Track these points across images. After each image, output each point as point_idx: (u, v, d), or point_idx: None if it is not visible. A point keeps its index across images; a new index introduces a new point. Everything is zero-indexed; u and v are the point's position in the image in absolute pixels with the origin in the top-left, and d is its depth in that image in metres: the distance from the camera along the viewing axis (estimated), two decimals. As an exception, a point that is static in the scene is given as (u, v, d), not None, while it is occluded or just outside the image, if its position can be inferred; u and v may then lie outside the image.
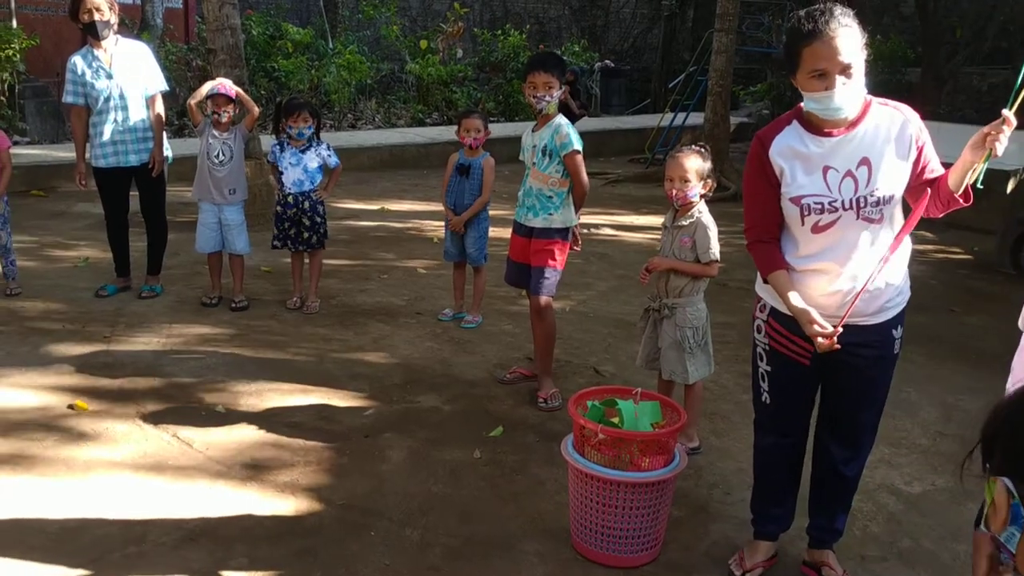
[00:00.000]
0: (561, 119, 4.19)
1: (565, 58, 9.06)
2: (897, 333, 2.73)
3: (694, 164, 3.68)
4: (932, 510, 3.48)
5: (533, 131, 4.28)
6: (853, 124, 2.56)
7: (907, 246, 2.72)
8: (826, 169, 2.57)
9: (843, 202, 2.56)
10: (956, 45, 12.92)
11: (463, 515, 3.29)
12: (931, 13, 12.32)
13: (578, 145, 4.14)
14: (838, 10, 2.47)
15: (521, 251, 4.37)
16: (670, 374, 3.78)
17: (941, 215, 2.64)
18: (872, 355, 2.72)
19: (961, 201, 2.53)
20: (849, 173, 2.56)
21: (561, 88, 4.14)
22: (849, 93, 2.47)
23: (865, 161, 2.55)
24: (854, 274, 2.61)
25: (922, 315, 5.94)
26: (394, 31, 15.19)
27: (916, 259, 8.15)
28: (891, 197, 2.58)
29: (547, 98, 4.10)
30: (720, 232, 3.77)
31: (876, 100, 2.60)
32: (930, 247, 7.97)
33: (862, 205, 2.56)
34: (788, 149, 2.62)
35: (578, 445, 3.03)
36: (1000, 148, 2.37)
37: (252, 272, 5.97)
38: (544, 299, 4.26)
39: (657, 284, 3.82)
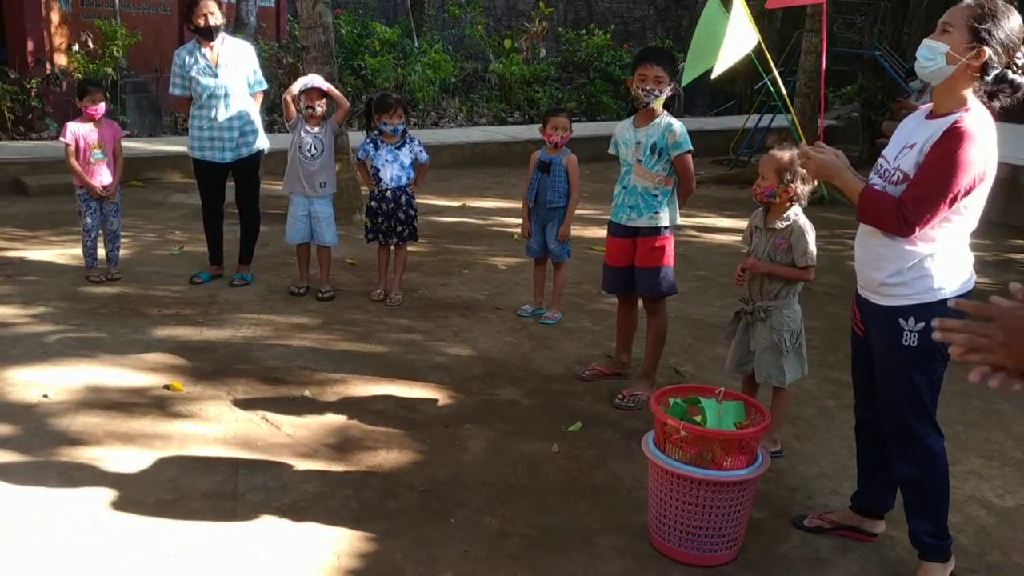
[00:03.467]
0: (670, 117, 4.14)
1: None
2: (907, 324, 2.74)
3: (785, 164, 3.62)
4: (1025, 525, 3.37)
5: (635, 126, 4.20)
6: (937, 116, 2.71)
7: (930, 244, 2.72)
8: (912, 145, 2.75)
9: (886, 170, 2.79)
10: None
11: (541, 507, 3.32)
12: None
13: (690, 146, 4.11)
14: None
15: (622, 254, 4.28)
16: (766, 378, 3.73)
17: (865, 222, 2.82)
18: (879, 342, 2.86)
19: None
20: (905, 147, 2.76)
21: (670, 84, 4.10)
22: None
23: (913, 145, 2.72)
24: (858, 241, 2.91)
25: (1018, 325, 5.73)
26: (479, 30, 15.34)
27: (1012, 268, 7.84)
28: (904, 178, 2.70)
29: (656, 92, 4.05)
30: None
31: (975, 110, 2.65)
32: (1029, 256, 7.68)
33: (888, 178, 2.76)
34: None
35: (659, 442, 3.02)
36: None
37: (338, 264, 6.12)
38: (659, 299, 4.27)
39: (750, 287, 3.78)
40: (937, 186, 2.60)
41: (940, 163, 2.60)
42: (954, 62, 2.61)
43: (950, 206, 2.63)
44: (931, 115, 2.75)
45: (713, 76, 2.88)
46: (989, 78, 2.59)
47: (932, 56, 2.65)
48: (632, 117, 4.25)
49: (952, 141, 2.59)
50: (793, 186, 3.63)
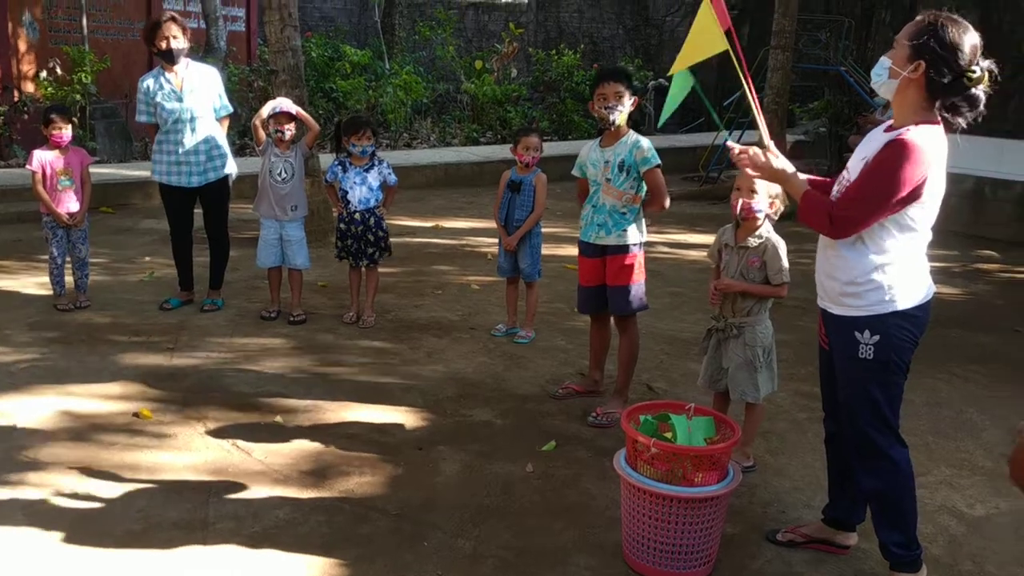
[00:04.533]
0: (636, 134, 4.17)
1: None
2: (863, 337, 2.80)
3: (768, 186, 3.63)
4: (995, 534, 3.39)
5: (601, 146, 4.23)
6: (892, 129, 2.78)
7: (882, 255, 2.77)
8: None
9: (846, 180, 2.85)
10: (1023, 59, 12.61)
11: (515, 528, 3.31)
12: (996, 27, 12.06)
13: (659, 160, 4.13)
14: None
15: (593, 273, 4.31)
16: (741, 394, 3.74)
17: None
18: (839, 353, 2.92)
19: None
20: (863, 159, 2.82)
21: (631, 98, 4.12)
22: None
23: (864, 157, 2.80)
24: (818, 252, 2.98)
25: (985, 335, 5.81)
26: (450, 52, 15.39)
27: (980, 278, 7.95)
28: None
29: (619, 108, 4.08)
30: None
31: (925, 125, 2.70)
32: (995, 266, 7.79)
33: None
34: None
35: (631, 459, 3.03)
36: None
37: (309, 287, 6.09)
38: (630, 317, 4.28)
39: (722, 304, 3.80)
40: (867, 192, 2.67)
41: (875, 172, 2.66)
42: (896, 76, 2.69)
43: (883, 215, 2.68)
44: (889, 128, 2.81)
45: (669, 73, 3.10)
46: (936, 87, 2.64)
47: (880, 72, 2.75)
48: (598, 139, 4.28)
49: (891, 152, 2.64)
50: (776, 202, 3.66)
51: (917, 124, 2.68)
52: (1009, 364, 5.29)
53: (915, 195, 2.66)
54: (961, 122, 2.71)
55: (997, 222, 8.74)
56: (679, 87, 3.57)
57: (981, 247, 8.35)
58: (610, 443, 3.96)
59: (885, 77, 2.72)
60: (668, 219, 9.41)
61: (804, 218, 2.83)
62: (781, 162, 2.89)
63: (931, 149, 2.65)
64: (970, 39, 2.64)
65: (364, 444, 3.95)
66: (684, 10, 18.99)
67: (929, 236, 2.81)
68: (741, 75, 2.95)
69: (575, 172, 4.38)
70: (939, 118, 2.71)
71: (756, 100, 3.05)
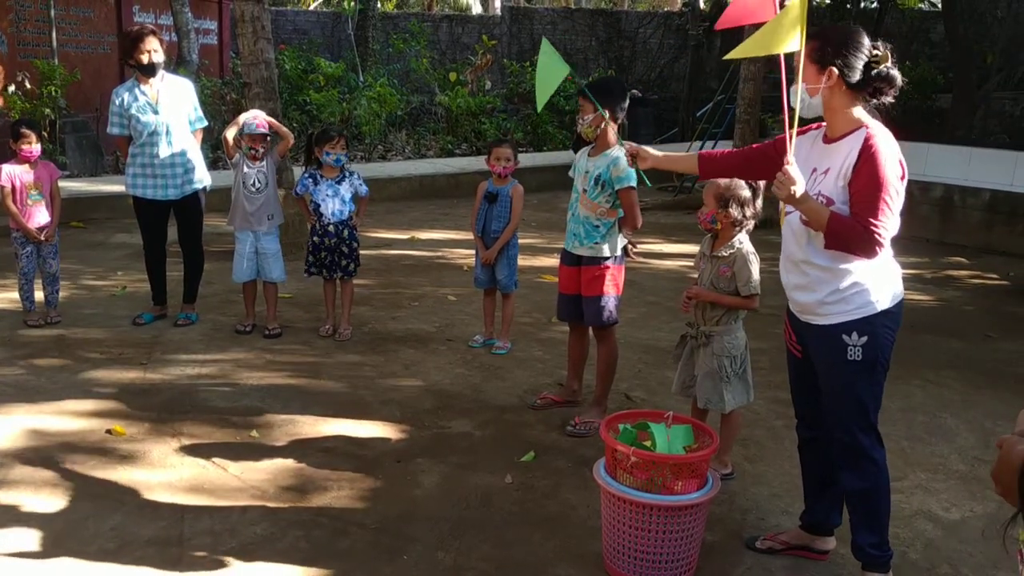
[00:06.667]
0: (621, 151, 4.12)
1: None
2: (851, 340, 2.81)
3: (722, 190, 3.66)
4: (971, 537, 3.42)
5: (589, 155, 4.25)
6: (836, 139, 2.80)
7: (873, 259, 2.77)
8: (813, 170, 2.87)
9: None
10: (987, 70, 12.85)
11: (495, 539, 3.29)
12: (961, 39, 12.28)
13: (634, 181, 4.13)
14: None
15: (570, 281, 4.33)
16: (706, 402, 3.75)
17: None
18: (824, 360, 2.92)
19: None
20: (815, 173, 2.84)
21: (595, 113, 4.13)
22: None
23: (827, 171, 2.80)
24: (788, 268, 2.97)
25: (957, 341, 5.88)
26: (424, 64, 15.42)
27: (951, 285, 8.03)
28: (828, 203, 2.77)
29: (581, 121, 4.17)
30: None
31: (873, 125, 2.76)
32: (965, 272, 7.89)
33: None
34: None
35: (610, 468, 3.03)
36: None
37: (285, 300, 6.04)
38: (605, 327, 4.28)
39: (695, 312, 3.81)
40: (888, 202, 2.67)
41: (877, 181, 2.66)
42: (815, 92, 2.77)
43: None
44: (828, 139, 2.85)
45: (726, 57, 3.09)
46: (854, 83, 2.72)
47: (803, 98, 2.79)
48: (592, 146, 4.29)
49: (874, 157, 2.67)
50: (731, 211, 3.66)
51: (866, 125, 2.74)
52: (981, 369, 5.35)
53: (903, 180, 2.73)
54: (887, 100, 2.79)
55: (966, 229, 8.88)
56: (550, 73, 3.66)
57: (951, 254, 8.46)
58: (589, 452, 3.95)
59: (808, 99, 2.78)
60: (644, 229, 9.41)
61: (838, 244, 2.72)
62: (797, 186, 2.68)
63: (892, 138, 2.74)
64: (857, 34, 2.76)
65: (342, 458, 3.92)
66: (656, 22, 19.18)
67: (896, 230, 2.81)
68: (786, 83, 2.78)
69: (571, 173, 4.40)
70: (867, 110, 2.78)
71: (788, 114, 2.79)
